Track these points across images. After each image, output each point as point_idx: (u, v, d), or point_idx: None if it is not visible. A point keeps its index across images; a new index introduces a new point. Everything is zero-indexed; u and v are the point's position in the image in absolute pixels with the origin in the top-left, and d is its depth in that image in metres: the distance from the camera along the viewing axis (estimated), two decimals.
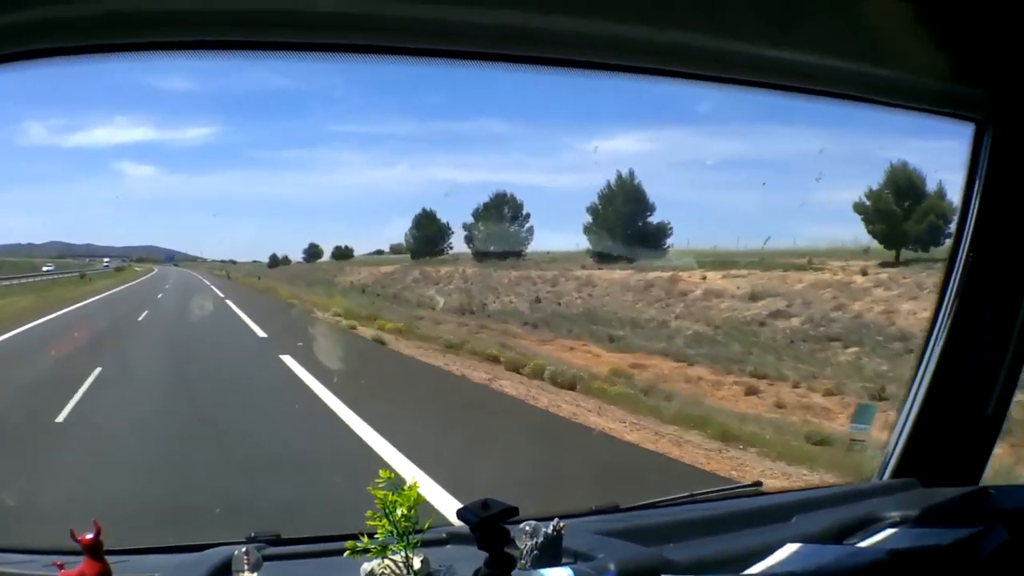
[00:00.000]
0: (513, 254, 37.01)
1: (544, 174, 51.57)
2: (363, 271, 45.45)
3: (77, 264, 55.33)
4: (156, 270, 61.22)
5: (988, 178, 2.84)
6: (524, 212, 37.37)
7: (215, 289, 43.34)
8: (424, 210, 42.10)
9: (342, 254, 50.41)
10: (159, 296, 37.62)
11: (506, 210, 37.66)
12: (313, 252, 52.76)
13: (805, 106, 2.85)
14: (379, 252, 48.21)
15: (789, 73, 2.60)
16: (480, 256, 38.13)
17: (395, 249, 46.45)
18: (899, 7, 2.33)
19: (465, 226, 39.63)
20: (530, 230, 37.56)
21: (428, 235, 41.76)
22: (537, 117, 49.66)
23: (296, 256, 54.71)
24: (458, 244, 41.01)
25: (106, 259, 59.89)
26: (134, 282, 50.74)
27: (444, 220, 41.74)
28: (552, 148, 49.11)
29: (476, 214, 38.48)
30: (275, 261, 57.28)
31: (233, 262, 60.59)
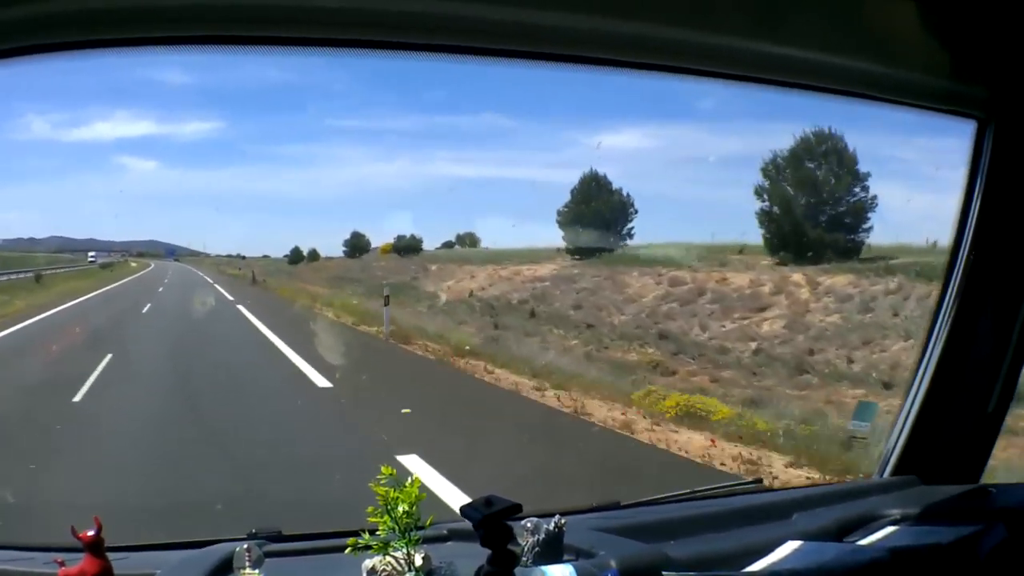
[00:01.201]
0: (850, 248, 19.90)
1: (546, 169, 51.22)
2: (479, 273, 31.47)
3: (68, 258, 48.06)
4: (152, 265, 53.80)
5: (989, 176, 2.84)
6: (857, 167, 20.06)
7: (259, 325, 22.61)
8: (594, 172, 27.66)
9: (407, 246, 38.55)
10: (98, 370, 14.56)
11: (828, 161, 20.38)
12: (357, 245, 41.82)
13: (808, 103, 2.85)
14: (448, 244, 39.35)
15: (791, 70, 2.61)
16: (793, 252, 20.34)
17: (464, 240, 38.15)
18: (902, 4, 2.33)
19: (761, 192, 21.26)
20: (874, 201, 20.34)
21: (601, 216, 26.62)
22: (539, 112, 49.44)
23: (328, 249, 44.41)
24: (643, 229, 27.64)
25: (91, 254, 50.92)
26: (106, 288, 36.39)
27: (623, 190, 27.49)
28: (554, 143, 48.90)
29: (773, 168, 20.61)
30: (298, 256, 46.13)
31: (242, 256, 51.81)
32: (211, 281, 42.95)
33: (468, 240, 38.96)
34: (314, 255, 45.74)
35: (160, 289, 37.26)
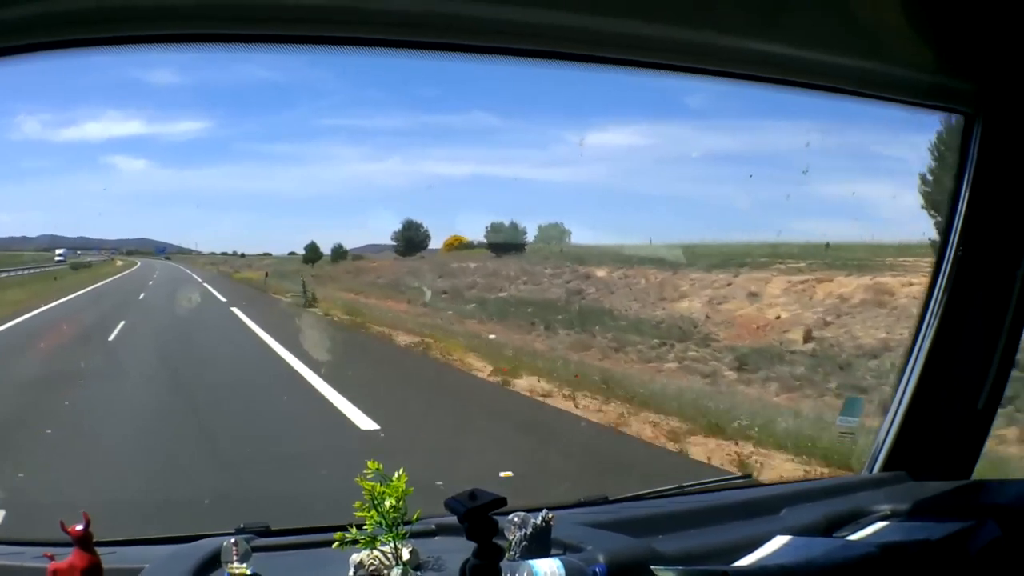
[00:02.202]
0: None
1: (534, 167, 51.09)
2: (766, 288, 18.57)
3: (47, 256, 41.38)
4: (138, 264, 48.35)
5: (978, 171, 2.85)
6: None
7: None
8: None
9: (507, 242, 28.11)
10: None
11: None
12: (413, 239, 32.62)
13: (796, 100, 2.85)
14: (568, 244, 27.72)
15: (779, 66, 2.61)
16: None
17: (547, 235, 28.03)
18: (890, 0, 2.34)
19: None
20: None
21: None
22: (528, 111, 49.45)
23: (357, 244, 36.18)
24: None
25: (59, 252, 42.14)
26: (27, 316, 21.08)
27: None
28: (542, 141, 48.77)
29: None
30: (314, 254, 37.14)
31: (241, 255, 46.21)
32: (223, 298, 27.13)
33: (555, 233, 28.94)
34: (340, 252, 36.47)
35: (116, 331, 18.99)
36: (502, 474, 7.10)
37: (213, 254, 49.44)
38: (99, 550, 2.04)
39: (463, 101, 51.38)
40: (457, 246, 31.22)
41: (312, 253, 36.96)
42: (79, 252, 45.73)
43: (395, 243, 32.89)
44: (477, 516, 1.90)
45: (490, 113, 50.45)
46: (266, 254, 44.06)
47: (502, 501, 1.93)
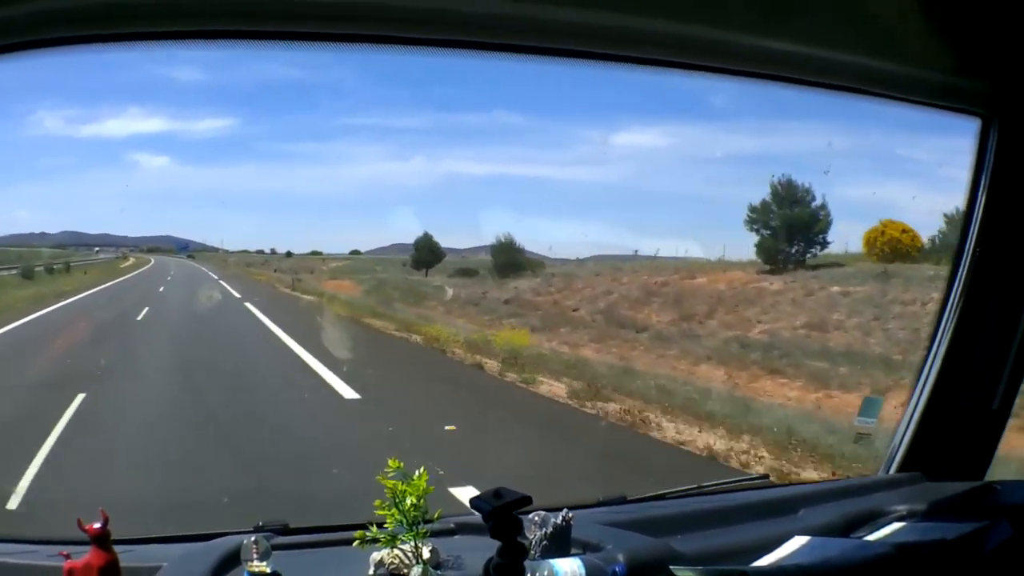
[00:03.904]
0: None
1: (557, 167, 50.70)
2: None
3: (62, 254, 35.99)
4: (152, 262, 43.60)
5: (994, 173, 2.85)
6: None
7: None
8: None
9: None
10: None
11: None
12: (799, 236, 20.84)
13: (813, 101, 2.86)
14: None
15: (795, 65, 2.62)
16: None
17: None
18: (907, 0, 2.34)
19: None
20: None
21: None
22: (550, 110, 49.25)
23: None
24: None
25: None
26: None
27: None
28: (565, 141, 48.56)
29: None
30: (430, 253, 25.08)
31: (288, 254, 39.18)
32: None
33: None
34: (510, 259, 22.09)
35: None
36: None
37: (246, 252, 43.19)
38: (116, 548, 2.02)
39: (486, 100, 51.24)
40: (911, 248, 17.58)
41: (428, 252, 24.42)
42: (97, 249, 43.33)
43: (762, 233, 19.34)
44: (503, 515, 1.91)
45: (512, 112, 50.12)
46: (316, 252, 34.88)
47: (527, 500, 1.93)
